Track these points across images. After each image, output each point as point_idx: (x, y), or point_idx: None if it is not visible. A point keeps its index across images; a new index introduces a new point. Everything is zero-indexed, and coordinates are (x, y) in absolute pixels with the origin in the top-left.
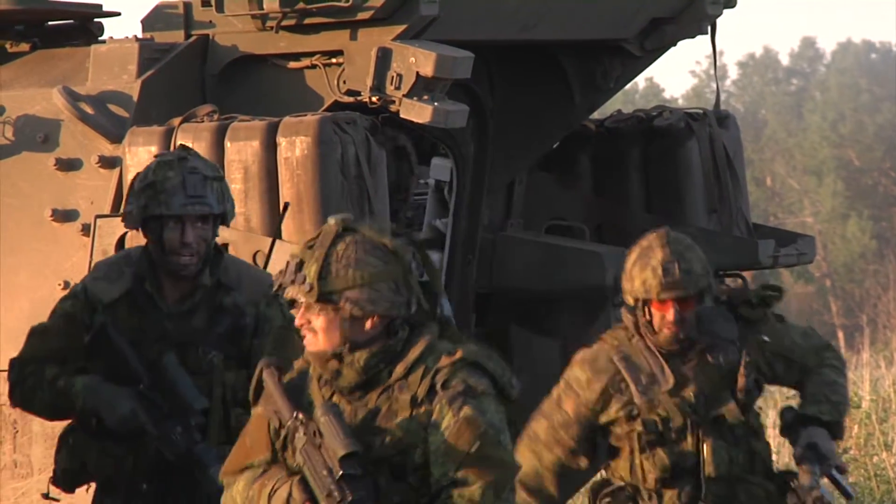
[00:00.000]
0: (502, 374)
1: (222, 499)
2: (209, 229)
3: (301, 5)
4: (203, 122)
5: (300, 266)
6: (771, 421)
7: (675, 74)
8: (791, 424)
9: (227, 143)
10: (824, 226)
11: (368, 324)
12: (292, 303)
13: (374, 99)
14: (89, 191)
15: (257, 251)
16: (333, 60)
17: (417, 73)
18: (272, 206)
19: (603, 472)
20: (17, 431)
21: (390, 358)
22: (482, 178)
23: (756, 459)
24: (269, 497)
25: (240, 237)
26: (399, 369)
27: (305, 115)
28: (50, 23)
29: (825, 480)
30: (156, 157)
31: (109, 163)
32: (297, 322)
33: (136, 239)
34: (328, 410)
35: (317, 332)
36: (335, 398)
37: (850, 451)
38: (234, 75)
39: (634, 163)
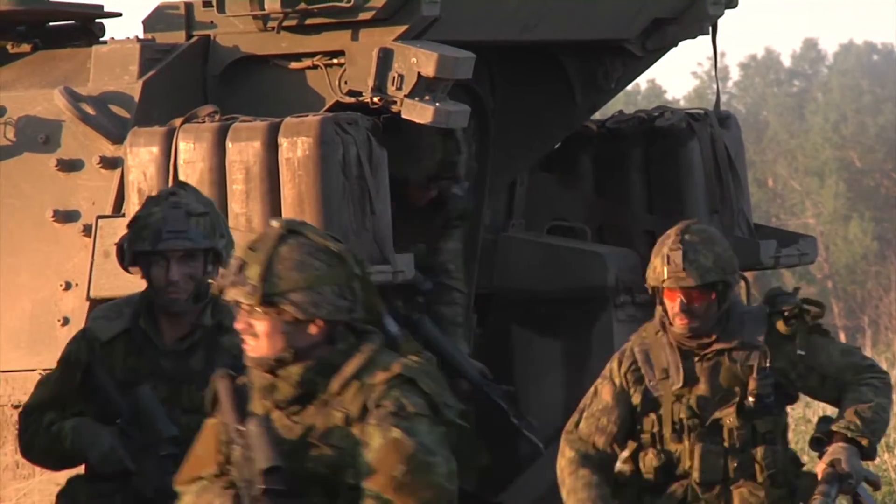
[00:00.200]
0: (439, 394)
1: None
2: (197, 266)
3: (302, 6)
4: (204, 122)
5: (242, 267)
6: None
7: (676, 75)
8: (820, 439)
9: (229, 144)
10: (826, 227)
11: (311, 328)
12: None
13: (375, 99)
14: (91, 191)
15: None
16: (335, 61)
17: (419, 73)
18: (274, 206)
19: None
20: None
21: (328, 370)
22: (483, 179)
23: (758, 467)
24: None
25: (241, 238)
26: (335, 384)
27: (307, 116)
28: (51, 23)
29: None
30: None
31: (111, 163)
32: (238, 326)
33: None
34: (258, 423)
35: (259, 337)
36: (274, 412)
37: None
38: (236, 76)
39: (636, 163)
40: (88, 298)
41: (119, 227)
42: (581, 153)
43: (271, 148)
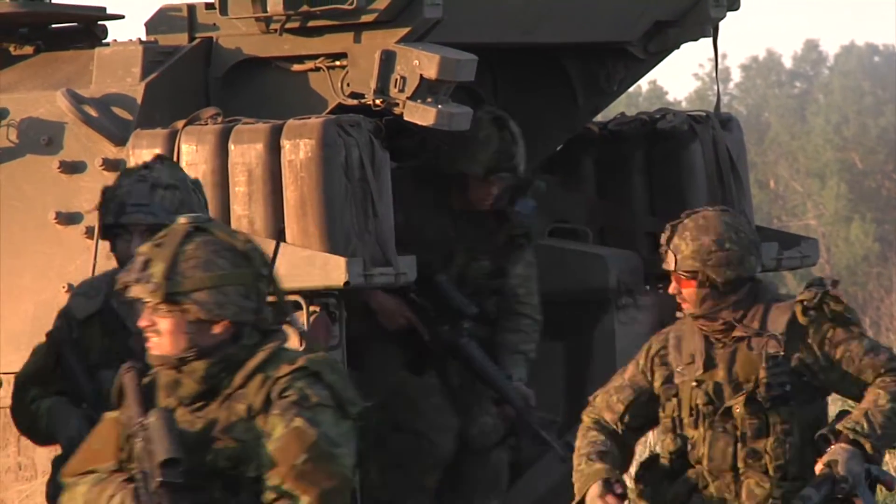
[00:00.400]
0: (344, 388)
1: (60, 499)
2: None
3: (305, 8)
4: (207, 124)
5: (147, 264)
6: None
7: (678, 77)
8: (827, 437)
9: (231, 146)
10: (827, 228)
11: (216, 328)
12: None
13: (377, 101)
14: (93, 194)
15: None
16: (337, 63)
17: (421, 75)
18: (276, 208)
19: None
20: (21, 434)
21: (233, 366)
22: None
23: (767, 458)
24: (107, 503)
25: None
26: (238, 378)
27: (309, 118)
28: (54, 25)
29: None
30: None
31: (113, 165)
32: (142, 324)
33: None
34: (159, 415)
35: (162, 335)
36: (178, 409)
37: None
38: (238, 78)
39: (638, 165)
40: None
41: None
42: (583, 155)
43: (274, 150)
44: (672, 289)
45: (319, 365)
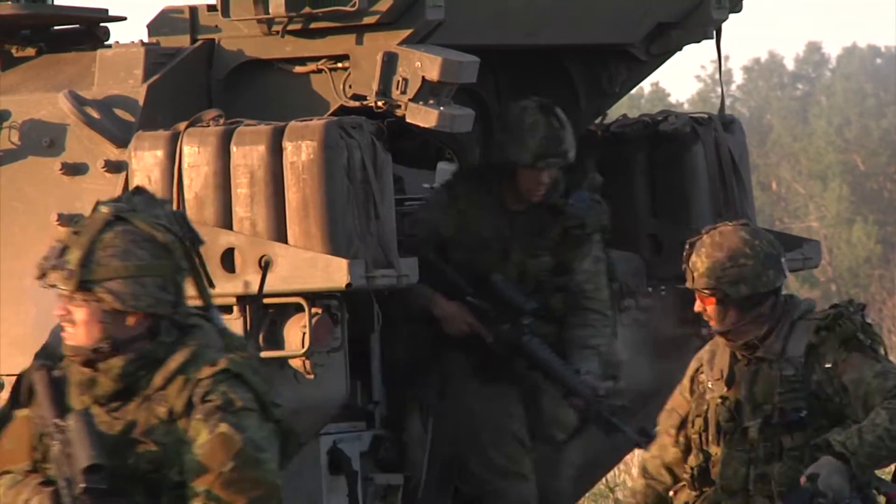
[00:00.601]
0: (266, 391)
1: None
2: None
3: (307, 10)
4: (209, 126)
5: (63, 251)
6: None
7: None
8: (819, 448)
9: (233, 148)
10: (829, 230)
11: (131, 320)
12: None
13: (379, 103)
14: (95, 195)
15: (263, 256)
16: (339, 65)
17: (423, 77)
18: (278, 210)
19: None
20: None
21: (151, 364)
22: None
23: (773, 482)
24: None
25: (246, 242)
26: (158, 379)
27: (311, 120)
28: (56, 27)
29: None
30: None
31: (115, 167)
32: (57, 312)
33: None
34: (79, 418)
35: (76, 325)
36: (94, 408)
37: None
38: (240, 80)
39: (640, 167)
40: None
41: None
42: (585, 157)
43: (276, 152)
44: (697, 307)
45: (242, 367)
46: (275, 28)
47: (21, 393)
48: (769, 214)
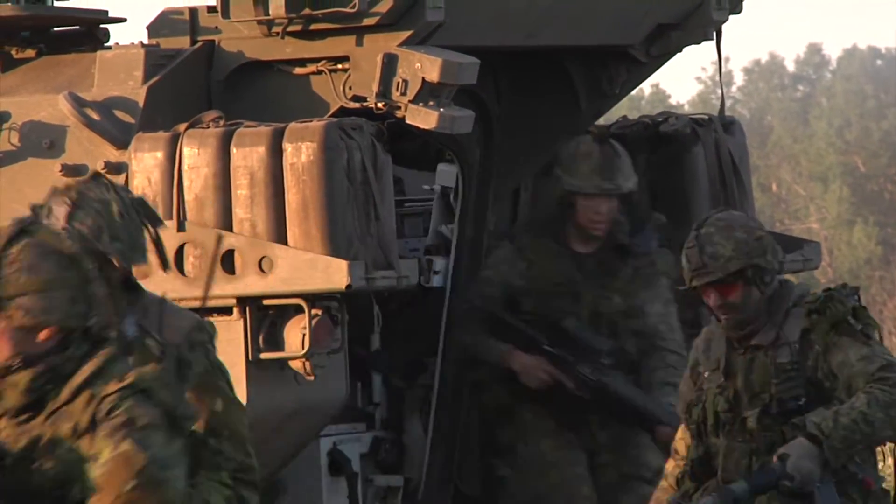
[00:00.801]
0: (175, 404)
1: None
2: None
3: (307, 11)
4: (209, 127)
5: None
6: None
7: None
8: (798, 427)
9: (233, 149)
10: (830, 232)
11: (42, 335)
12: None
13: (379, 105)
14: None
15: (263, 257)
16: (339, 66)
17: (423, 78)
18: (278, 211)
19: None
20: None
21: (59, 378)
22: (488, 185)
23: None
24: None
25: (246, 243)
26: (64, 393)
27: (311, 121)
28: (56, 29)
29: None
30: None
31: (115, 169)
32: None
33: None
34: None
35: None
36: (3, 421)
37: None
38: (240, 81)
39: (640, 168)
40: None
41: None
42: None
43: (276, 153)
44: (714, 301)
45: (149, 381)
46: (275, 29)
47: None
48: (769, 216)
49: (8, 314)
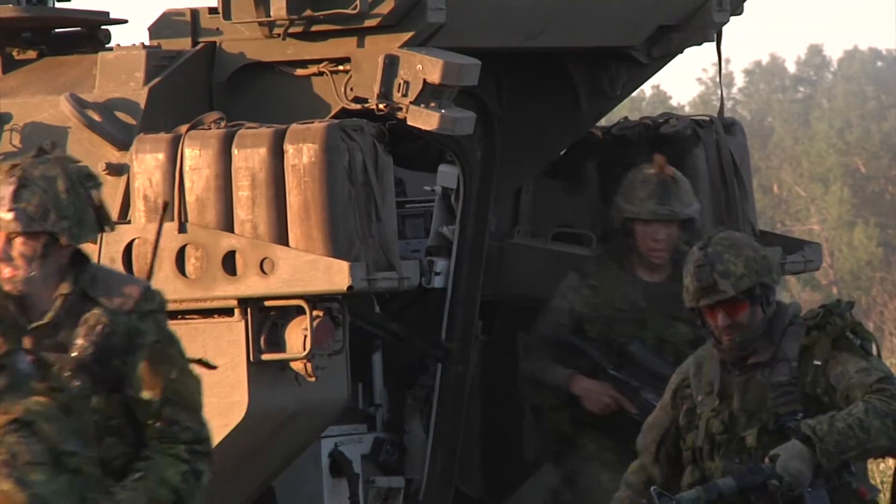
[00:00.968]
0: (60, 439)
1: None
2: (34, 245)
3: (308, 12)
4: (210, 129)
5: None
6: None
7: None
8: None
9: (235, 150)
10: (831, 233)
11: None
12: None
13: (381, 106)
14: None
15: (265, 258)
16: (340, 67)
17: (424, 80)
18: (279, 213)
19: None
20: None
21: None
22: (489, 186)
23: (776, 493)
24: None
25: (247, 244)
26: None
27: (313, 122)
28: (57, 30)
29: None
30: None
31: (117, 170)
32: None
33: (142, 247)
34: None
35: None
36: None
37: None
38: (242, 82)
39: None
40: None
41: (125, 234)
42: (587, 160)
43: (277, 154)
44: (721, 321)
45: (34, 414)
46: (276, 31)
47: None
48: (770, 217)
49: None
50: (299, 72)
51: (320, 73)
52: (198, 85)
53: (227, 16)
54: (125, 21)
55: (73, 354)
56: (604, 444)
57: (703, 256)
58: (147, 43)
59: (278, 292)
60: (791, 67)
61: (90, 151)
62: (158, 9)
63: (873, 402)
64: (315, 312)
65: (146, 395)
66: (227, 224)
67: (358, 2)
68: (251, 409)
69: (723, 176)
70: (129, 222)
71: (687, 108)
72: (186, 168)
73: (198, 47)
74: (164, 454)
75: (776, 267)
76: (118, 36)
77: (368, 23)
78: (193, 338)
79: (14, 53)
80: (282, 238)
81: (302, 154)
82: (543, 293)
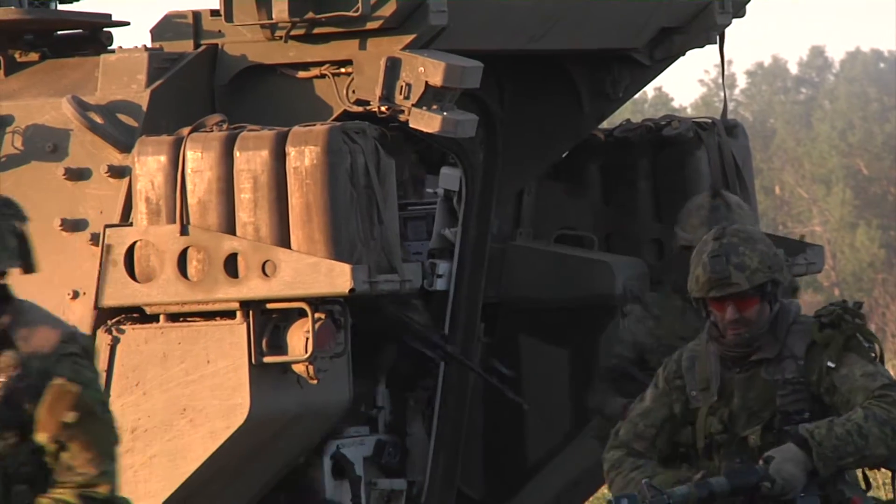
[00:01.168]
0: None
1: None
2: None
3: (310, 15)
4: (212, 131)
5: None
6: None
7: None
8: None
9: (237, 153)
10: (833, 235)
11: None
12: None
13: (383, 108)
14: (98, 200)
15: (266, 260)
16: (342, 70)
17: (426, 82)
18: (281, 215)
19: None
20: None
21: None
22: (491, 188)
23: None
24: None
25: (249, 246)
26: None
27: (314, 125)
28: (59, 32)
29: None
30: None
31: (119, 172)
32: None
33: (144, 248)
34: None
35: None
36: None
37: None
38: (244, 85)
39: (643, 172)
40: (96, 307)
41: (127, 236)
42: (589, 162)
43: (279, 157)
44: (729, 315)
45: None
46: (278, 33)
47: None
48: (772, 219)
49: None
50: (301, 74)
51: (322, 76)
52: (200, 87)
53: (228, 18)
54: (127, 23)
55: None
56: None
57: (718, 247)
58: (149, 45)
59: (280, 295)
60: (793, 69)
61: (92, 154)
62: (160, 11)
63: (873, 409)
64: (317, 315)
65: (40, 437)
66: (229, 226)
67: (360, 4)
68: (253, 412)
69: (725, 178)
70: (131, 225)
71: (689, 110)
72: (188, 170)
73: (200, 50)
74: (52, 499)
75: (786, 264)
76: (120, 38)
77: (370, 25)
78: (195, 340)
79: (16, 55)
80: (284, 240)
81: (304, 156)
82: (546, 295)
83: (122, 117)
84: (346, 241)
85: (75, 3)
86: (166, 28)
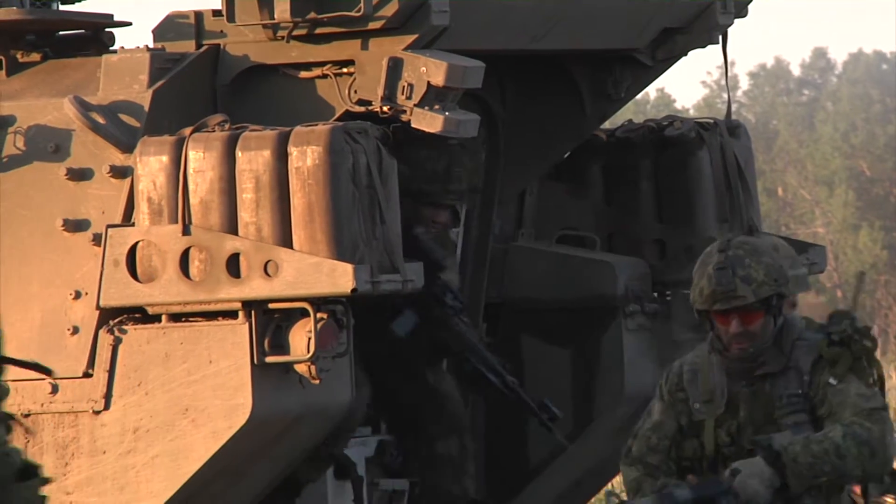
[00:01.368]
0: None
1: None
2: None
3: (312, 15)
4: (214, 131)
5: None
6: None
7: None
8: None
9: (239, 153)
10: (835, 236)
11: None
12: None
13: (385, 108)
14: (100, 201)
15: (269, 260)
16: (344, 70)
17: (428, 82)
18: (283, 215)
19: None
20: (28, 441)
21: None
22: (493, 188)
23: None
24: None
25: (251, 246)
26: None
27: (317, 125)
28: (61, 33)
29: None
30: None
31: (121, 172)
32: None
33: (146, 248)
34: None
35: None
36: None
37: None
38: (246, 85)
39: (645, 173)
40: (98, 307)
41: (129, 237)
42: (590, 162)
43: (281, 157)
44: (734, 328)
45: None
46: (280, 33)
47: None
48: (775, 220)
49: None
50: (303, 74)
51: (324, 76)
52: (202, 87)
53: (230, 18)
54: (129, 24)
55: None
56: None
57: (724, 259)
58: (151, 45)
59: (282, 295)
60: (796, 70)
61: (94, 154)
62: (162, 11)
63: (854, 428)
64: (319, 315)
65: None
66: (231, 226)
67: (362, 4)
68: (255, 412)
69: (727, 179)
70: (132, 225)
71: (691, 111)
72: (190, 170)
73: (202, 50)
74: None
75: (789, 277)
76: (122, 38)
77: (372, 25)
78: (197, 340)
79: (18, 56)
80: (286, 240)
81: (306, 156)
82: (548, 295)
83: (124, 117)
84: (348, 240)
85: (77, 4)
86: (168, 28)
